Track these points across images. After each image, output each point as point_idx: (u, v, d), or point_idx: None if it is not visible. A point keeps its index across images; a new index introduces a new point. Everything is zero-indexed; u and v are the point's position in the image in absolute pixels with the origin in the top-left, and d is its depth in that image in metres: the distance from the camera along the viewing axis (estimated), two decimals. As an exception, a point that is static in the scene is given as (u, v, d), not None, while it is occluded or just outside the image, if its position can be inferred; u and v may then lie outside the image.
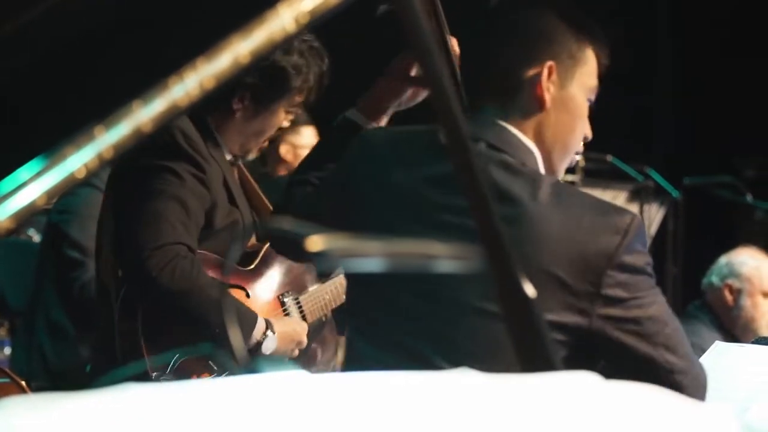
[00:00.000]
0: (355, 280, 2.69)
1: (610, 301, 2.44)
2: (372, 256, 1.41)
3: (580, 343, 2.45)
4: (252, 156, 3.82)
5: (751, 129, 8.42)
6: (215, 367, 3.43)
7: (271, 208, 3.85)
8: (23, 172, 1.28)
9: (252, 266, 3.62)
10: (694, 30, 8.98)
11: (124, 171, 3.54)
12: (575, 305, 2.43)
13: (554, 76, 2.58)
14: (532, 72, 2.58)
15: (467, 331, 2.46)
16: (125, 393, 1.14)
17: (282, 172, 5.87)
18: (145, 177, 3.46)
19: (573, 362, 2.43)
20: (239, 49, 1.31)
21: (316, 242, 1.33)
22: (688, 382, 2.45)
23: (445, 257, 1.57)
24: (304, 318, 3.77)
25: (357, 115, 3.04)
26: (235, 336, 3.29)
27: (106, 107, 1.26)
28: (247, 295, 3.58)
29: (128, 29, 1.41)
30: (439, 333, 2.49)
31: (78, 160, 1.25)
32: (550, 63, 2.57)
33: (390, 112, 3.11)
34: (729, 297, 5.91)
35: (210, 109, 3.60)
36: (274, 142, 5.54)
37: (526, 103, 2.59)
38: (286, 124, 3.74)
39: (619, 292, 2.44)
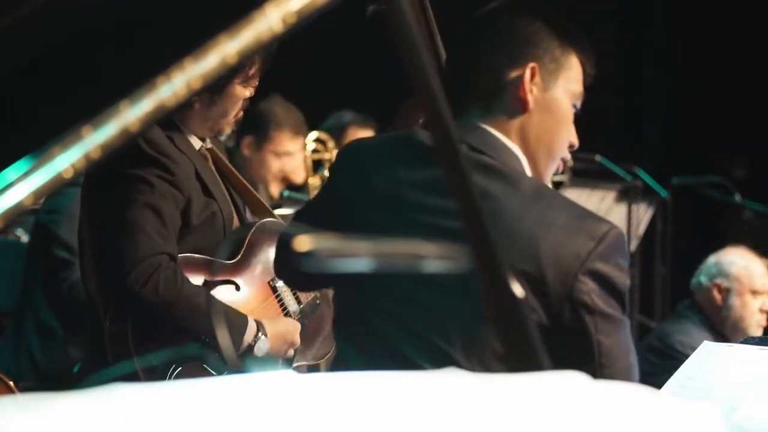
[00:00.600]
0: (340, 281, 2.69)
1: (579, 305, 2.42)
2: (360, 256, 1.41)
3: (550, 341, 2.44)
4: (226, 132, 3.79)
5: (740, 129, 8.44)
6: (212, 372, 3.42)
7: (250, 188, 3.85)
8: (10, 173, 1.28)
9: (238, 257, 3.60)
10: (685, 30, 9.00)
11: (96, 180, 3.50)
12: (545, 304, 2.42)
13: (537, 78, 2.61)
14: (514, 74, 2.61)
15: (456, 331, 2.46)
16: (114, 393, 1.14)
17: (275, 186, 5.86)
18: (115, 187, 3.42)
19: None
20: (227, 50, 1.31)
21: (303, 242, 1.33)
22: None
23: (432, 258, 1.57)
24: (298, 300, 3.76)
25: None
26: (223, 339, 3.30)
27: (94, 107, 1.26)
28: (237, 288, 3.56)
29: (115, 30, 1.41)
30: (427, 333, 2.49)
31: (65, 160, 1.24)
32: (532, 64, 2.60)
33: None
34: (718, 296, 5.93)
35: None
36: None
37: (510, 104, 2.61)
38: (248, 94, 3.70)
39: (588, 300, 2.42)
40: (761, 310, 5.94)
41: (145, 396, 1.14)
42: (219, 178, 3.68)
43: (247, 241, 3.62)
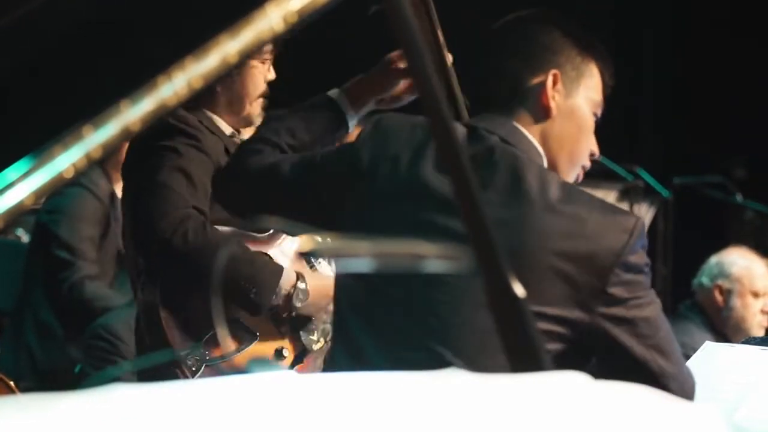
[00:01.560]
0: (347, 276, 2.69)
1: (612, 300, 2.48)
2: (361, 256, 1.41)
3: (577, 338, 2.48)
4: (255, 119, 3.80)
5: (741, 129, 8.43)
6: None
7: None
8: (11, 172, 1.28)
9: (270, 231, 3.61)
10: (685, 29, 8.99)
11: (129, 158, 3.61)
12: (578, 300, 2.46)
13: (559, 85, 2.65)
14: (537, 80, 2.65)
15: (458, 331, 2.47)
16: (114, 393, 1.14)
17: None
18: (144, 159, 3.49)
19: (568, 357, 2.47)
20: (227, 49, 1.31)
21: (308, 241, 1.33)
22: (675, 387, 2.48)
23: (434, 258, 1.57)
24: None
25: (339, 97, 3.08)
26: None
27: (95, 106, 1.26)
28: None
29: (116, 29, 1.41)
30: (427, 332, 2.49)
31: (66, 160, 1.24)
32: (554, 71, 2.64)
33: (371, 105, 3.13)
34: (719, 297, 5.92)
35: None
36: None
37: (533, 110, 2.65)
38: (267, 71, 3.71)
39: (622, 292, 2.48)
40: (762, 311, 5.94)
41: (146, 397, 1.14)
42: None
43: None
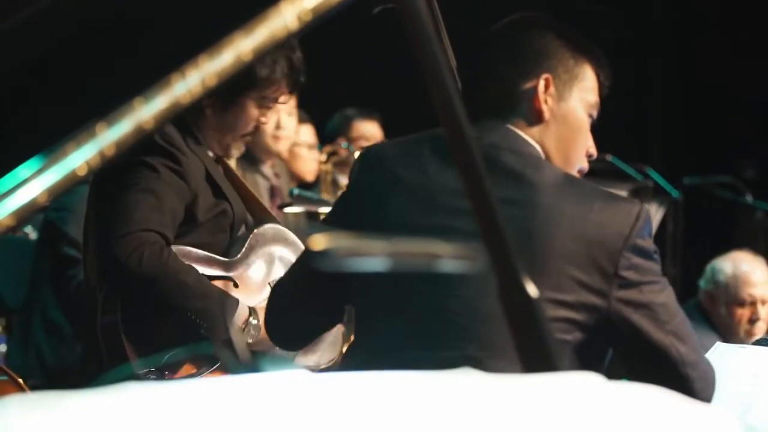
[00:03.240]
0: (362, 279, 2.69)
1: (626, 283, 2.50)
2: (380, 256, 1.40)
3: (597, 326, 2.50)
4: (235, 155, 3.81)
5: (751, 129, 8.42)
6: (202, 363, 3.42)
7: (256, 196, 3.86)
8: (24, 170, 1.28)
9: (239, 255, 3.60)
10: (695, 29, 8.98)
11: (106, 170, 3.52)
12: (593, 287, 2.48)
13: (551, 89, 2.66)
14: (529, 84, 2.67)
15: (472, 331, 2.47)
16: (126, 392, 1.14)
17: (269, 163, 5.82)
18: (120, 173, 3.45)
19: (588, 349, 2.50)
20: (242, 47, 1.30)
21: (321, 241, 1.32)
22: (696, 376, 2.51)
23: (450, 258, 1.56)
24: None
25: None
26: (236, 335, 3.30)
27: (108, 104, 1.26)
28: (235, 285, 3.56)
29: (130, 26, 1.41)
30: (443, 331, 2.50)
31: (79, 157, 1.24)
32: (546, 75, 2.66)
33: None
34: (709, 303, 5.94)
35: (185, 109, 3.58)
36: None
37: (526, 115, 2.66)
38: (264, 120, 3.71)
39: (633, 275, 2.51)
40: (752, 320, 5.90)
41: (157, 395, 1.13)
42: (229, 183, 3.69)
43: (249, 239, 3.62)
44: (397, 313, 2.57)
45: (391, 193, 2.63)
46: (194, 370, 3.42)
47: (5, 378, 3.61)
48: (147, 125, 1.24)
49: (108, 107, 1.25)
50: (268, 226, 3.71)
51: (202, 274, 3.45)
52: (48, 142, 1.27)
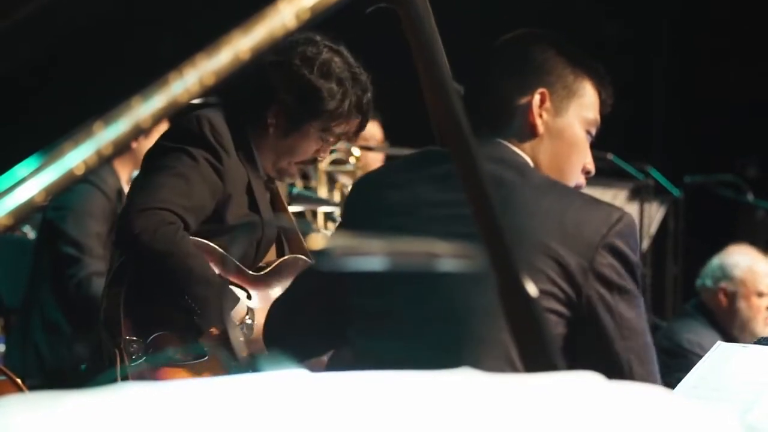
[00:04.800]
0: (361, 279, 2.69)
1: (600, 277, 2.49)
2: (377, 254, 1.40)
3: (574, 319, 2.49)
4: (288, 180, 3.84)
5: (753, 127, 8.42)
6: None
7: (296, 227, 3.89)
8: (22, 169, 1.27)
9: (262, 273, 3.63)
10: (697, 28, 8.98)
11: (152, 149, 3.62)
12: (569, 279, 2.47)
13: (547, 104, 2.67)
14: (524, 99, 2.67)
15: (471, 331, 2.47)
16: (125, 391, 1.14)
17: None
18: (161, 155, 3.52)
19: (568, 340, 2.49)
20: (239, 46, 1.30)
21: (318, 240, 1.32)
22: None
23: (448, 257, 1.56)
24: None
25: None
26: (234, 334, 3.30)
27: (106, 103, 1.26)
28: (249, 297, 3.57)
29: (127, 25, 1.41)
30: (442, 332, 2.50)
31: (77, 157, 1.24)
32: (541, 90, 2.66)
33: None
34: (724, 300, 5.91)
35: (248, 122, 3.62)
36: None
37: (520, 129, 2.67)
38: (323, 154, 3.74)
39: (608, 273, 2.49)
40: None
41: (156, 395, 1.13)
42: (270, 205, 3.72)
43: (276, 263, 3.65)
44: (393, 313, 2.57)
45: (382, 218, 2.64)
46: (178, 349, 3.43)
47: (4, 378, 3.61)
48: (144, 124, 1.24)
49: (105, 106, 1.25)
50: (299, 258, 3.74)
51: (219, 275, 3.47)
52: (45, 141, 1.27)
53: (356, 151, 5.96)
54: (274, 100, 3.59)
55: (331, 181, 6.20)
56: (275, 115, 3.61)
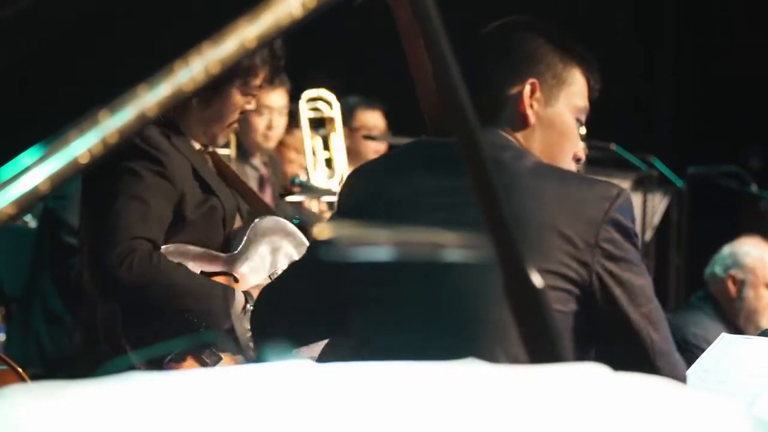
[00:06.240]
0: (362, 269, 2.69)
1: (607, 255, 2.51)
2: (382, 245, 1.40)
3: (585, 298, 2.51)
4: (221, 142, 3.82)
5: (757, 118, 8.42)
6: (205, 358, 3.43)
7: (251, 189, 3.87)
8: (26, 158, 1.27)
9: (237, 250, 3.60)
10: (700, 18, 8.98)
11: (89, 175, 3.53)
12: (577, 257, 2.50)
13: (538, 94, 2.67)
14: (515, 89, 2.68)
15: (476, 322, 2.47)
16: (129, 381, 1.14)
17: (258, 154, 5.81)
18: (104, 180, 3.46)
19: (581, 323, 2.51)
20: (246, 34, 1.30)
21: (323, 230, 1.32)
22: (665, 367, 2.51)
23: (452, 247, 1.56)
24: None
25: None
26: (239, 326, 3.31)
27: (111, 91, 1.25)
28: (235, 281, 3.56)
29: (133, 12, 1.40)
30: (447, 323, 2.50)
31: (82, 145, 1.24)
32: (532, 80, 2.66)
33: None
34: (732, 288, 5.89)
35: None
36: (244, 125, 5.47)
37: (511, 119, 2.68)
38: (250, 107, 3.72)
39: (613, 248, 2.51)
40: None
41: (161, 384, 1.13)
42: (220, 178, 3.69)
43: (248, 233, 3.62)
44: (397, 302, 2.57)
45: (381, 207, 2.63)
46: (197, 366, 3.42)
47: (5, 367, 3.62)
48: (150, 112, 1.23)
49: (111, 94, 1.25)
50: (267, 219, 3.71)
51: (202, 270, 3.46)
52: (50, 130, 1.26)
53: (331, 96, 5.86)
54: None
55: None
56: None
